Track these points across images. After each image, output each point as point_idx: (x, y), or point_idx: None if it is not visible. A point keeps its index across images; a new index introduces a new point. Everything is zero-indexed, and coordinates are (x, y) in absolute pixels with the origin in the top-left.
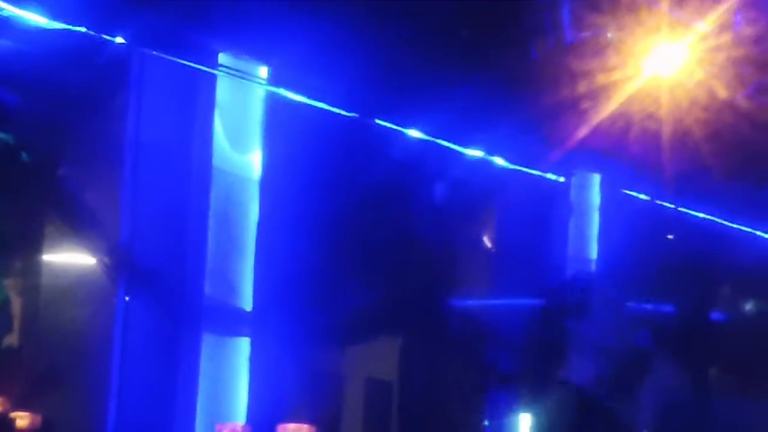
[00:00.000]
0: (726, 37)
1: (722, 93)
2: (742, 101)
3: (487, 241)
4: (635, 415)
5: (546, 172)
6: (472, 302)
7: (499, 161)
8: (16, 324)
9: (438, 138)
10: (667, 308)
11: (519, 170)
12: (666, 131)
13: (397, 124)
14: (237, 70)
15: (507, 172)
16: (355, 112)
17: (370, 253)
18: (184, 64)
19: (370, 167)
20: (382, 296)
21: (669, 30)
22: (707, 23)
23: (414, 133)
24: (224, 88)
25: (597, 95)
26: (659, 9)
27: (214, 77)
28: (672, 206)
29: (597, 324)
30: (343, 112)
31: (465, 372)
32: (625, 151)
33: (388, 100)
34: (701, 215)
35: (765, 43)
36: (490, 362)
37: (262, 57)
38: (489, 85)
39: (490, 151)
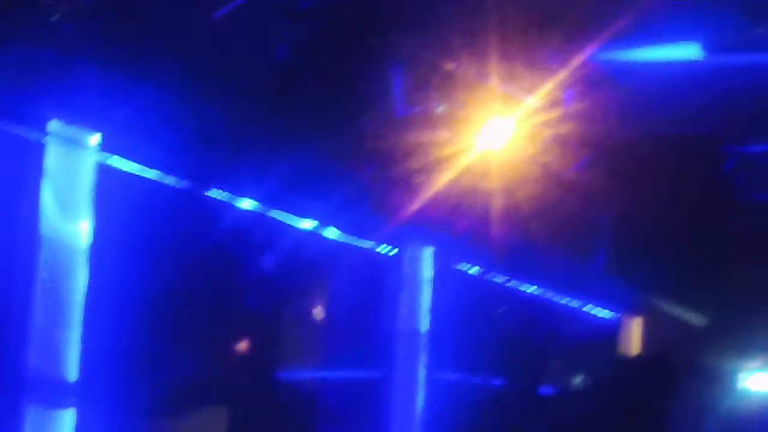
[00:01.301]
0: (555, 113)
1: (550, 168)
2: (569, 176)
3: (318, 313)
4: None
5: (378, 244)
6: (302, 373)
7: (331, 232)
8: None
9: (269, 207)
10: (497, 381)
11: (351, 242)
12: (496, 205)
13: (229, 193)
14: (67, 137)
15: (339, 243)
16: (187, 181)
17: (200, 323)
18: (12, 132)
19: (201, 236)
20: (212, 367)
21: (499, 105)
22: (537, 99)
23: (245, 203)
24: (54, 156)
25: (429, 168)
26: (490, 84)
27: (42, 144)
28: (503, 279)
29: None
30: (175, 181)
31: None
32: (457, 225)
33: (220, 168)
34: (531, 289)
35: (592, 119)
36: None
37: (93, 124)
38: (322, 155)
39: (323, 222)
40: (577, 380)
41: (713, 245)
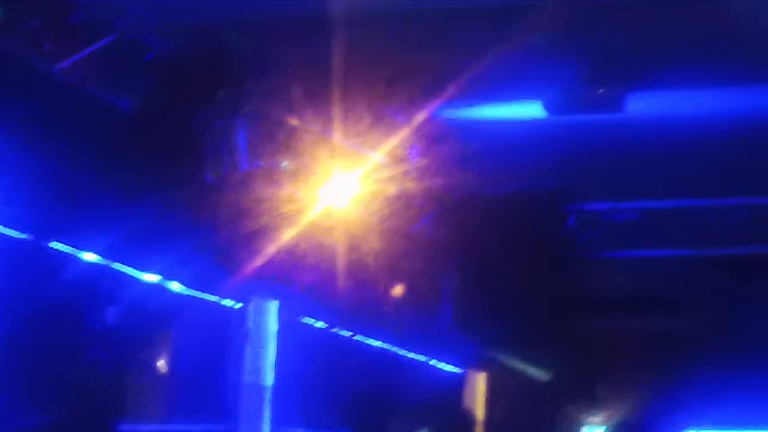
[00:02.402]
0: (399, 169)
1: (395, 223)
2: (414, 232)
3: (162, 366)
4: None
5: (223, 297)
6: (145, 427)
7: (175, 285)
8: None
9: (112, 260)
10: None
11: (195, 295)
12: (342, 260)
13: (72, 246)
14: None
15: (183, 296)
16: (28, 233)
17: (41, 377)
18: None
19: (43, 289)
20: (54, 420)
21: (344, 160)
22: (381, 155)
23: (89, 255)
24: None
25: (274, 223)
26: (334, 139)
27: None
28: (349, 334)
29: None
30: (16, 233)
31: None
32: (302, 279)
33: (62, 221)
34: (377, 343)
35: (437, 176)
36: None
37: None
38: (165, 207)
39: (166, 275)
40: None
41: (556, 301)
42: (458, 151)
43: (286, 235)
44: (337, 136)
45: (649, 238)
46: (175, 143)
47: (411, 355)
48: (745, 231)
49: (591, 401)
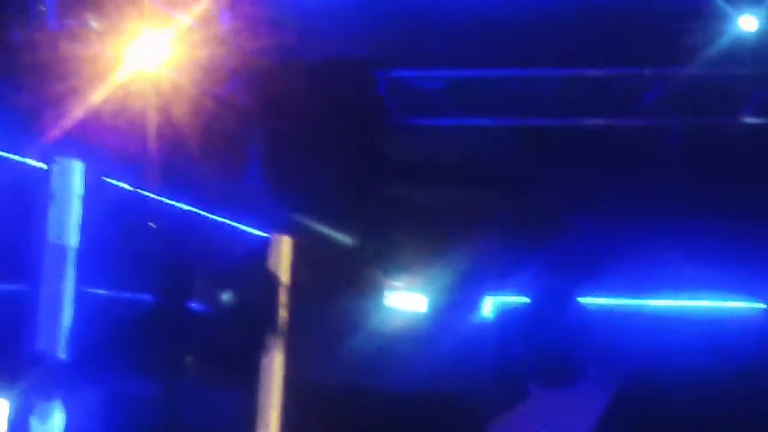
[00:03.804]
0: (210, 31)
1: (204, 86)
2: (223, 95)
3: None
4: None
5: (26, 157)
6: None
7: None
8: None
9: None
10: (147, 298)
11: None
12: (150, 122)
13: None
14: None
15: None
16: None
17: None
18: None
19: None
20: None
21: (153, 21)
22: (191, 16)
23: None
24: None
25: (81, 83)
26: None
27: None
28: (155, 196)
29: None
30: None
31: None
32: (110, 140)
33: None
34: (183, 206)
35: (248, 39)
36: None
37: None
38: None
39: None
40: (225, 298)
41: (363, 167)
42: (269, 15)
43: (93, 97)
44: None
45: (458, 106)
46: None
47: (217, 218)
48: (557, 103)
49: (395, 267)
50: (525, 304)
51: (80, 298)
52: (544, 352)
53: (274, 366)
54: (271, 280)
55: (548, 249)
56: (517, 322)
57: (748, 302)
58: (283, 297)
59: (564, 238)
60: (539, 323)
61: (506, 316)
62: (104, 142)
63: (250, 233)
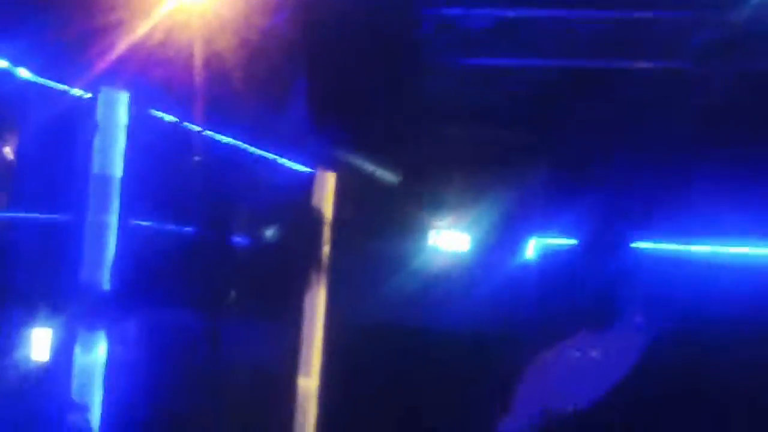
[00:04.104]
0: None
1: (249, 19)
2: (268, 27)
3: (8, 153)
4: None
5: (72, 86)
6: None
7: (23, 72)
8: None
9: None
10: (191, 230)
11: (44, 83)
12: (195, 54)
13: None
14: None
15: (31, 84)
16: None
17: None
18: None
19: None
20: None
21: None
22: None
23: None
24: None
25: (127, 14)
26: None
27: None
28: (198, 129)
29: None
30: None
31: None
32: (154, 72)
33: None
34: (227, 139)
35: None
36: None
37: None
38: None
39: (15, 62)
40: (268, 233)
41: (408, 105)
42: None
43: (139, 28)
44: None
45: (504, 46)
46: None
47: (261, 152)
48: (603, 45)
49: (438, 206)
50: (572, 246)
51: (124, 229)
52: (590, 296)
53: (317, 302)
54: (315, 216)
55: (593, 192)
56: (563, 264)
57: None
58: (326, 233)
59: (608, 182)
60: (587, 266)
61: (550, 258)
62: (149, 74)
63: (294, 168)
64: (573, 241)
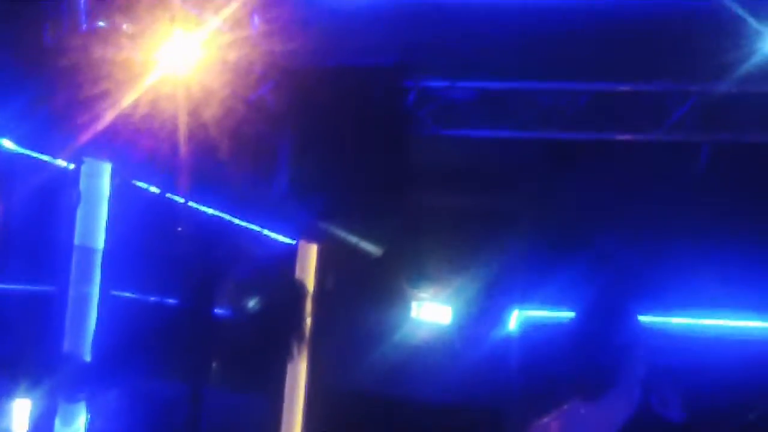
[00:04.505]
0: (241, 34)
1: (235, 90)
2: (253, 99)
3: None
4: None
5: (55, 157)
6: None
7: (6, 143)
8: None
9: None
10: (172, 301)
11: (27, 154)
12: (179, 125)
13: None
14: None
15: (14, 155)
16: None
17: None
18: None
19: None
20: None
21: (184, 24)
22: (222, 19)
23: None
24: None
25: (112, 85)
26: (174, 2)
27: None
28: (183, 199)
29: None
30: None
31: None
32: (138, 143)
33: None
34: (211, 210)
35: (278, 43)
36: None
37: None
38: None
39: None
40: (250, 303)
41: (391, 175)
42: (299, 18)
43: (124, 99)
44: None
45: (487, 118)
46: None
47: (244, 224)
48: (587, 117)
49: (420, 277)
50: (570, 318)
51: (106, 300)
52: (586, 369)
53: (299, 372)
54: (297, 287)
55: (580, 264)
56: (558, 336)
57: None
58: (308, 304)
59: (591, 253)
60: (588, 338)
61: (534, 329)
62: (133, 145)
63: (277, 239)
64: (557, 312)
